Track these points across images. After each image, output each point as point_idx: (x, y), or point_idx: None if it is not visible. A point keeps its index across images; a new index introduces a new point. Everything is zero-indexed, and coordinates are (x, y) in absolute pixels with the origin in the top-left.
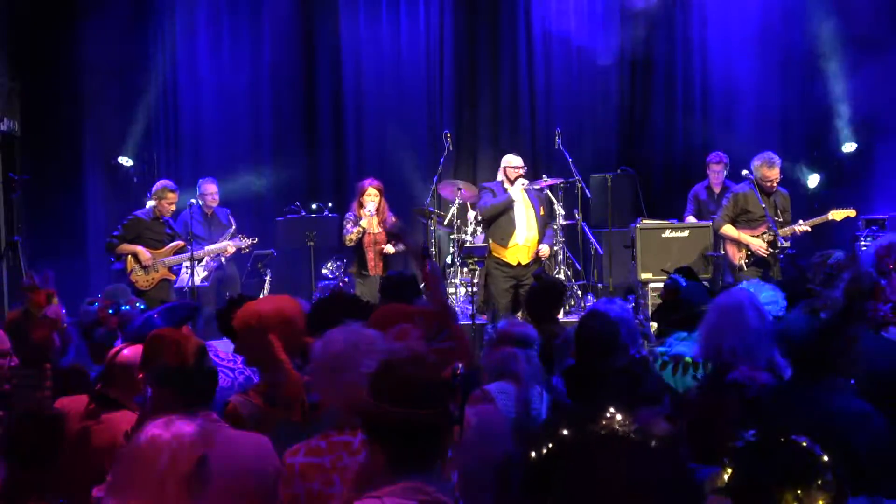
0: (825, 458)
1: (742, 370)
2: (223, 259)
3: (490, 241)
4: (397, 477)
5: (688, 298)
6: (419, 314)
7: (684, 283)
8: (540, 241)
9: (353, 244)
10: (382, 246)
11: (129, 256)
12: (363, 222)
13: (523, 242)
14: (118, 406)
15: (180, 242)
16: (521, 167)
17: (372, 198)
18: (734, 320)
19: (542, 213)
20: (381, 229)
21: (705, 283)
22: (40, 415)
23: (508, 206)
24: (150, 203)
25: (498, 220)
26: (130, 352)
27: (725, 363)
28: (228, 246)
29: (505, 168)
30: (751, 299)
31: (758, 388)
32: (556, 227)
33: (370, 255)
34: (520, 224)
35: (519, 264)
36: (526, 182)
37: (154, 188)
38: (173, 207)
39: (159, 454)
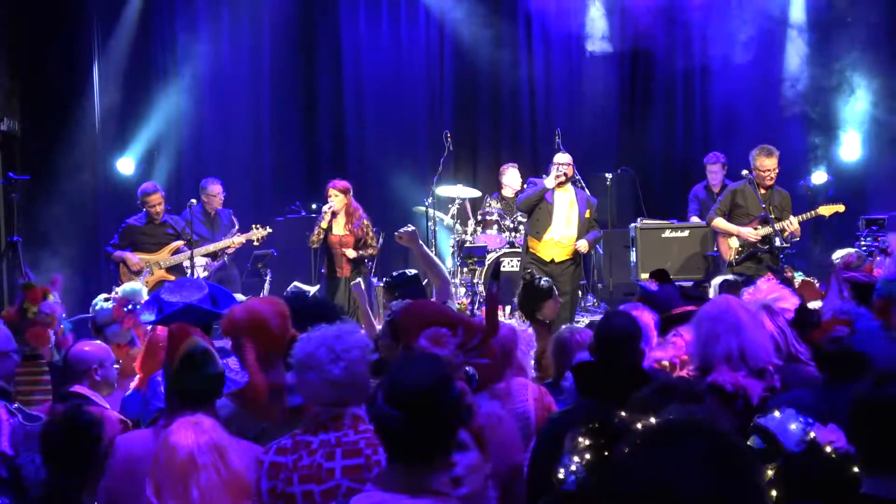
0: None
1: (724, 374)
2: (226, 258)
3: (527, 236)
4: (398, 470)
5: (660, 303)
6: (464, 326)
7: (655, 289)
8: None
9: (315, 245)
10: (344, 249)
11: (121, 264)
12: (322, 223)
13: (558, 238)
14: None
15: (178, 242)
16: (564, 164)
17: (331, 198)
18: (728, 323)
19: (587, 216)
20: (347, 231)
21: (680, 285)
22: (75, 419)
23: (544, 197)
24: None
25: (535, 212)
26: (87, 346)
27: (709, 367)
28: (235, 239)
29: (553, 164)
30: (739, 302)
31: (758, 397)
32: (599, 233)
33: (337, 256)
34: (557, 220)
35: (553, 261)
36: (561, 175)
37: (137, 194)
38: (160, 208)
39: (189, 460)
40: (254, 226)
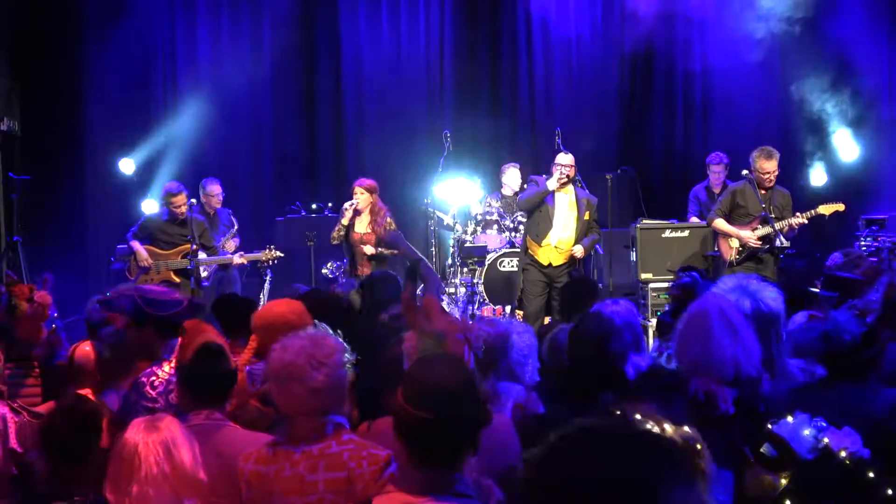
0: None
1: (695, 381)
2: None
3: (526, 236)
4: (420, 472)
5: (697, 293)
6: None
7: (701, 281)
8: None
9: (335, 242)
10: (363, 246)
11: (132, 257)
12: (343, 219)
13: (556, 243)
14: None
15: (187, 246)
16: (567, 165)
17: (356, 195)
18: (697, 329)
19: (585, 217)
20: (370, 230)
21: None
22: (77, 409)
23: (545, 199)
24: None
25: (536, 215)
26: (88, 345)
27: (687, 373)
28: (237, 258)
29: (555, 165)
30: (720, 307)
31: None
32: (598, 235)
33: (359, 254)
34: (557, 223)
35: (550, 265)
36: (563, 177)
37: (162, 192)
38: (185, 209)
39: (133, 455)
40: (268, 246)
